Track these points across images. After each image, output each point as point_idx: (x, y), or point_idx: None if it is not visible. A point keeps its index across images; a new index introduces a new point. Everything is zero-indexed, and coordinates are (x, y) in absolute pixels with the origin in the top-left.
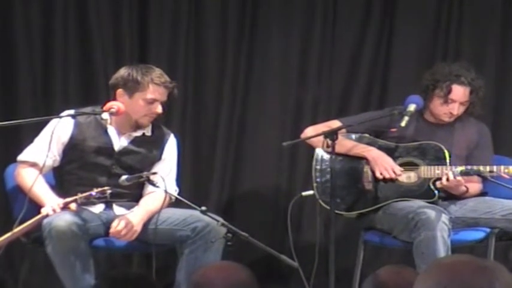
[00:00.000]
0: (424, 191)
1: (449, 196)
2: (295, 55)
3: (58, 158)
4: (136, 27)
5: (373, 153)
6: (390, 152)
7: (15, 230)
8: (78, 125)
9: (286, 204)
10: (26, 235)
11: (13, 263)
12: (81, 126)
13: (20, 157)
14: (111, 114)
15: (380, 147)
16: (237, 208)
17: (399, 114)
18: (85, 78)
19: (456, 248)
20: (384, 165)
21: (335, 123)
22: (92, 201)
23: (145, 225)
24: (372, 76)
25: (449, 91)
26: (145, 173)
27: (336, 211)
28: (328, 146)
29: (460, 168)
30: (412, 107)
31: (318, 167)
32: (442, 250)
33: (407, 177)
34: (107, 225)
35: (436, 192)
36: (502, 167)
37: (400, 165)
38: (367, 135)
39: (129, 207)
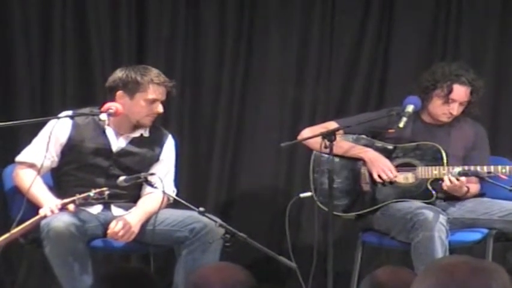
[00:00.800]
0: (421, 191)
1: (447, 197)
2: (293, 56)
3: (56, 159)
4: (135, 28)
5: (370, 155)
6: (388, 153)
7: (14, 230)
8: (76, 126)
9: (284, 205)
10: (24, 236)
11: (11, 264)
12: (79, 127)
13: (18, 158)
14: (109, 115)
15: (377, 149)
16: (235, 209)
17: (397, 115)
18: (83, 79)
19: (454, 248)
20: (381, 166)
21: (332, 125)
22: (90, 202)
23: (143, 226)
24: (370, 77)
25: (451, 91)
26: (143, 174)
27: (334, 212)
28: (325, 147)
29: (458, 169)
30: (410, 108)
31: (316, 168)
32: (440, 251)
33: (404, 178)
34: (105, 226)
35: (433, 192)
36: (500, 168)
37: (398, 166)
38: (364, 136)
39: (127, 208)
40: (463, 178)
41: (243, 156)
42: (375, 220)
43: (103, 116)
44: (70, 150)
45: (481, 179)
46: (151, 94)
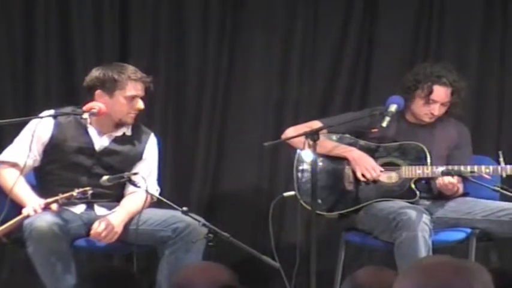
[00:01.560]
0: (405, 191)
1: (431, 196)
2: (277, 55)
3: (38, 158)
4: (118, 28)
5: (354, 154)
6: (371, 153)
7: None
8: (59, 125)
9: (267, 205)
10: (7, 236)
11: None
12: (61, 126)
13: (0, 158)
14: (92, 114)
15: (361, 148)
16: (219, 208)
17: (380, 114)
18: (66, 79)
19: (437, 248)
20: (364, 165)
21: (316, 124)
22: (73, 201)
23: (127, 225)
24: (353, 77)
25: (431, 92)
26: (126, 174)
27: (317, 212)
28: (309, 147)
29: (441, 169)
30: (393, 108)
31: (300, 167)
32: (423, 250)
33: (388, 177)
34: (88, 225)
35: (417, 192)
36: (483, 167)
37: (381, 165)
38: (348, 135)
39: (110, 208)
40: (450, 178)
41: (226, 155)
42: (358, 219)
43: (85, 115)
44: (52, 149)
45: (464, 178)
46: (130, 91)
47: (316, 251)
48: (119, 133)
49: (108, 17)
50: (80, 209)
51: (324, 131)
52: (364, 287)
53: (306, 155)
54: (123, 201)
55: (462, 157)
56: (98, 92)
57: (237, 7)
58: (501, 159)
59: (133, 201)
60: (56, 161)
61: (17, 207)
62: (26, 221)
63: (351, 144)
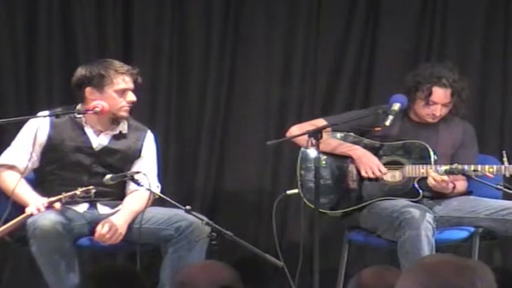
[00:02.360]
0: (408, 190)
1: (434, 195)
2: (280, 54)
3: (37, 159)
4: (120, 28)
5: (358, 152)
6: (375, 151)
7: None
8: (55, 126)
9: (270, 203)
10: (10, 235)
11: None
12: (57, 126)
13: None
14: (96, 113)
15: (365, 146)
16: (222, 207)
17: (384, 113)
18: (68, 79)
19: (441, 247)
20: (368, 164)
21: (320, 122)
22: (76, 200)
23: (130, 224)
24: (357, 75)
25: (430, 93)
26: (129, 172)
27: (321, 210)
28: (312, 145)
29: (444, 167)
30: (396, 106)
31: (303, 165)
32: (426, 249)
33: (392, 176)
34: (91, 224)
35: (420, 191)
36: (487, 166)
37: (385, 164)
38: (352, 134)
39: (113, 206)
40: (444, 177)
41: (229, 154)
42: (362, 218)
43: (79, 115)
44: (51, 150)
45: (468, 177)
46: (119, 84)
47: (320, 250)
48: (116, 131)
49: (110, 16)
50: (83, 207)
51: (328, 129)
52: (370, 286)
53: (312, 153)
54: (126, 201)
55: (467, 156)
56: (87, 89)
57: (240, 6)
58: (505, 158)
59: (136, 200)
60: (55, 161)
61: (19, 207)
62: (30, 220)
63: (355, 143)
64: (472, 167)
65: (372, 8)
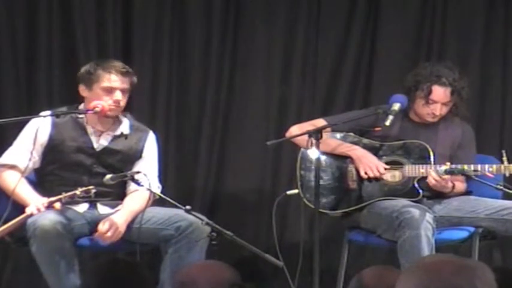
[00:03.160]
0: (408, 190)
1: (434, 195)
2: (279, 54)
3: (38, 159)
4: (120, 27)
5: (357, 152)
6: (375, 151)
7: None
8: (56, 126)
9: (270, 203)
10: (10, 235)
11: None
12: (59, 126)
13: (0, 161)
14: (96, 113)
15: (365, 146)
16: (222, 207)
17: (384, 113)
18: (69, 79)
19: (440, 247)
20: (368, 164)
21: (320, 122)
22: (76, 200)
23: (130, 224)
24: (357, 75)
25: (430, 92)
26: (129, 172)
27: (320, 210)
28: (312, 145)
29: (444, 167)
30: (396, 106)
31: (303, 165)
32: (426, 249)
33: (391, 176)
34: (92, 224)
35: (420, 191)
36: (486, 166)
37: (385, 164)
38: (352, 134)
39: (113, 207)
40: (445, 176)
41: (229, 154)
42: (361, 218)
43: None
44: (52, 150)
45: (467, 177)
46: (105, 82)
47: (319, 250)
48: (117, 132)
49: (110, 16)
50: (83, 207)
51: (328, 129)
52: (371, 286)
53: (312, 153)
54: (126, 201)
55: (466, 157)
56: (80, 86)
57: (240, 6)
58: (504, 158)
59: (136, 200)
60: (55, 161)
61: (19, 207)
62: (30, 220)
63: (354, 143)
64: (472, 167)
65: (372, 8)
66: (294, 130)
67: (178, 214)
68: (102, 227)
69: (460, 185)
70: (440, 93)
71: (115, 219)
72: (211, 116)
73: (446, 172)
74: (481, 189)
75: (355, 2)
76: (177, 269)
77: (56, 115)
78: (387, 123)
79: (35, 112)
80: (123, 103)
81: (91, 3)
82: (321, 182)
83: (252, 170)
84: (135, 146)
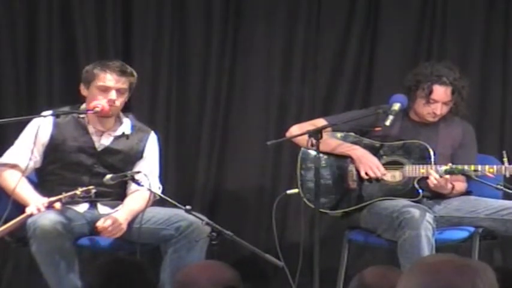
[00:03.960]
0: (408, 190)
1: (434, 195)
2: (279, 54)
3: (39, 159)
4: (120, 27)
5: (358, 152)
6: (375, 151)
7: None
8: (58, 126)
9: (271, 203)
10: (10, 234)
11: None
12: (60, 126)
13: (1, 160)
14: (96, 113)
15: (365, 146)
16: (222, 207)
17: (384, 113)
18: (69, 79)
19: (440, 247)
20: (368, 164)
21: (320, 122)
22: (77, 200)
23: (130, 224)
24: (357, 75)
25: (431, 91)
26: (129, 172)
27: (321, 210)
28: (312, 145)
29: (444, 168)
30: (396, 106)
31: (303, 165)
32: (426, 249)
33: (392, 176)
34: (92, 224)
35: (420, 191)
36: (487, 166)
37: (385, 164)
38: (352, 134)
39: (113, 207)
40: (446, 176)
41: (229, 154)
42: (362, 218)
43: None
44: (53, 150)
45: (468, 177)
46: (101, 81)
47: (320, 249)
48: (119, 132)
49: (110, 16)
50: (83, 207)
51: (328, 129)
52: (372, 286)
53: (312, 153)
54: (127, 200)
55: (466, 156)
56: (81, 86)
57: (239, 6)
58: (505, 158)
59: (136, 200)
60: (56, 161)
61: (20, 207)
62: (30, 220)
63: (355, 143)
64: (472, 167)
65: (372, 8)
66: (294, 130)
67: (178, 214)
68: (105, 222)
69: (461, 185)
70: (441, 92)
71: (117, 216)
72: (211, 116)
73: (447, 172)
74: (481, 189)
75: (355, 1)
76: (177, 269)
77: (56, 115)
78: (387, 123)
79: (35, 112)
80: (118, 103)
81: (91, 3)
82: (321, 182)
83: (252, 170)
84: (136, 146)
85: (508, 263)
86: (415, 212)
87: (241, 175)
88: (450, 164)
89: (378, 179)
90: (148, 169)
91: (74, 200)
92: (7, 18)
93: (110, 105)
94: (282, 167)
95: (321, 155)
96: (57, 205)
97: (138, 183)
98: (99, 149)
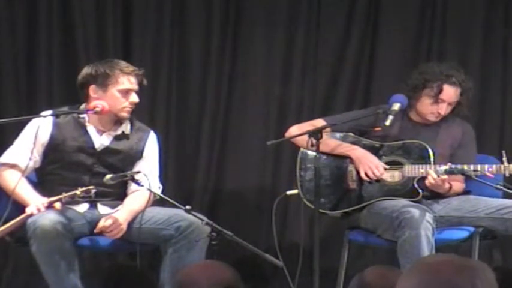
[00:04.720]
0: (408, 190)
1: (434, 195)
2: (279, 54)
3: (38, 159)
4: (120, 29)
5: (357, 152)
6: (374, 151)
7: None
8: (57, 125)
9: (270, 203)
10: (10, 234)
11: None
12: (60, 126)
13: (0, 160)
14: (96, 113)
15: (364, 146)
16: (222, 207)
17: (384, 113)
18: (68, 79)
19: (441, 247)
20: (368, 164)
21: (320, 122)
22: (76, 200)
23: (130, 224)
24: (356, 75)
25: (441, 91)
26: (129, 172)
27: (320, 210)
28: (312, 145)
29: (444, 167)
30: (396, 106)
31: (303, 166)
32: (426, 249)
33: (391, 176)
34: (92, 224)
35: (420, 191)
36: (486, 166)
37: (385, 164)
38: (351, 134)
39: (113, 206)
40: (444, 176)
41: (229, 154)
42: (361, 218)
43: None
44: (52, 150)
45: (468, 177)
46: (124, 84)
47: (320, 250)
48: (118, 132)
49: (110, 16)
50: (83, 207)
51: (328, 129)
52: (372, 285)
53: (311, 154)
54: (127, 200)
55: (466, 157)
56: (92, 87)
57: (239, 6)
58: (504, 158)
59: (136, 200)
60: (56, 161)
61: (20, 207)
62: (30, 220)
63: (354, 143)
64: (472, 167)
65: (372, 8)
66: (294, 130)
67: (178, 214)
68: (105, 222)
69: (458, 185)
70: (450, 92)
71: (117, 216)
72: (211, 115)
73: (446, 172)
74: (481, 189)
75: (355, 1)
76: (177, 269)
77: (56, 115)
78: (387, 123)
79: (35, 112)
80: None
81: (91, 3)
82: (321, 182)
83: (252, 170)
84: (136, 146)
85: (507, 263)
86: (415, 212)
87: (241, 175)
88: (450, 164)
89: (377, 179)
90: (148, 169)
91: (74, 200)
92: (7, 18)
93: (131, 107)
94: (281, 167)
95: (321, 155)
96: (57, 205)
97: (138, 183)
98: (99, 149)
